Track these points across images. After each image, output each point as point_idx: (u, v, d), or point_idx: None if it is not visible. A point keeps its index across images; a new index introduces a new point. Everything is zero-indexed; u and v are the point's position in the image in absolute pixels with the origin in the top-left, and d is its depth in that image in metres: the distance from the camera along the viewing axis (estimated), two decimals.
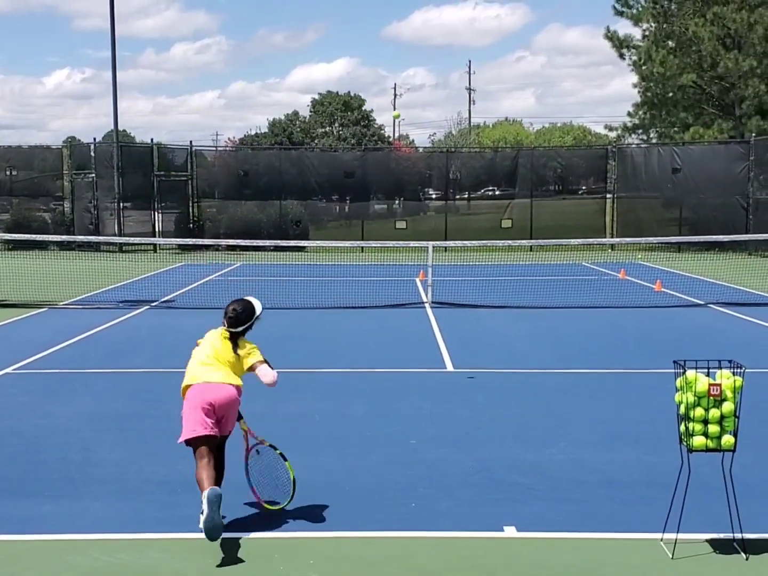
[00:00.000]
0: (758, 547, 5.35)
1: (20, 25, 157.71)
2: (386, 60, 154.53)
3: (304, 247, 29.92)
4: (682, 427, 5.31)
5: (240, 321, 6.26)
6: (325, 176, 34.75)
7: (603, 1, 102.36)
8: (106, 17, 31.99)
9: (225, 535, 5.65)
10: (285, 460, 6.12)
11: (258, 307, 6.38)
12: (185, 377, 6.00)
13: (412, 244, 21.84)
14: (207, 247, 29.14)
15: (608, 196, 33.58)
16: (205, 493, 5.33)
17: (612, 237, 31.06)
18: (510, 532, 5.68)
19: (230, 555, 5.36)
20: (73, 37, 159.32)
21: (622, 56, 35.86)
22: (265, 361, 6.19)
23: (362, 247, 29.44)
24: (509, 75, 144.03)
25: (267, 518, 5.93)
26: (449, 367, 11.07)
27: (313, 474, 6.85)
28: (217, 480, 5.66)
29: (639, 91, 36.20)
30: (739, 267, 22.14)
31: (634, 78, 35.94)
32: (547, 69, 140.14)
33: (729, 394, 5.20)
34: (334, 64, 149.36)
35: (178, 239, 29.71)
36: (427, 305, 16.52)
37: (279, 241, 24.24)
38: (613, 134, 39.39)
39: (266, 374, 6.12)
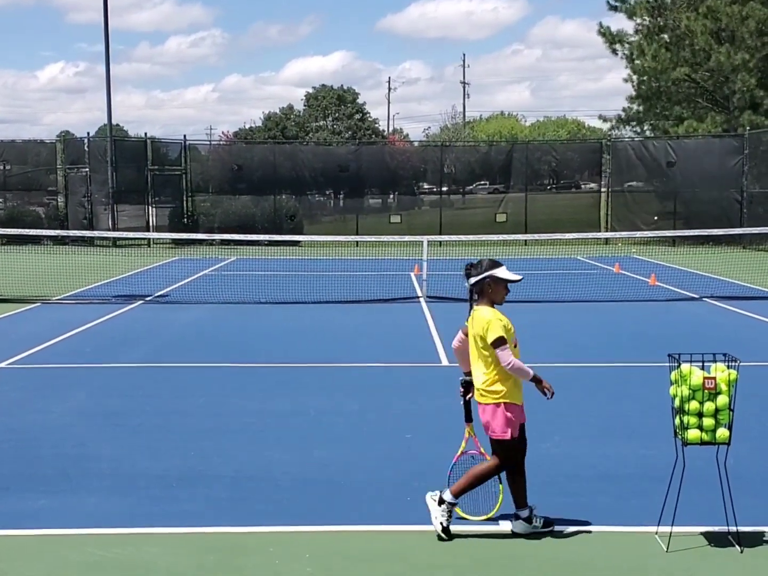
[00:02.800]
0: (753, 540, 5.37)
1: (13, 19, 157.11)
2: (381, 53, 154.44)
3: (298, 242, 29.85)
4: (677, 421, 5.32)
5: (469, 274, 5.64)
6: (319, 170, 34.67)
7: None
8: (101, 10, 31.88)
9: (220, 529, 5.67)
10: (500, 481, 5.79)
11: (499, 271, 5.56)
12: None
13: (407, 238, 21.83)
14: (201, 242, 29.09)
15: (603, 189, 33.61)
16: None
17: (606, 231, 31.08)
18: (505, 525, 5.69)
19: (225, 549, 5.36)
20: (67, 31, 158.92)
21: (614, 51, 35.85)
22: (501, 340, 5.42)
23: (357, 242, 29.37)
24: (504, 68, 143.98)
25: (262, 512, 5.93)
26: (444, 362, 11.07)
27: (308, 469, 6.85)
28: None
29: (632, 85, 36.20)
30: (733, 261, 22.19)
31: (629, 72, 35.94)
32: (542, 62, 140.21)
33: (723, 387, 5.21)
34: (329, 58, 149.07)
35: (172, 234, 29.60)
36: (421, 299, 16.52)
37: (273, 236, 24.15)
38: (607, 125, 39.27)
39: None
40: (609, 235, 29.48)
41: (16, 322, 14.38)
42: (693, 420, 5.23)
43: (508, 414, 5.42)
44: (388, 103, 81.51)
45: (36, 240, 27.94)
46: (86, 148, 33.07)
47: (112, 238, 29.25)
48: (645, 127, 37.74)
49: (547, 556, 5.25)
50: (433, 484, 6.48)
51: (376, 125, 67.50)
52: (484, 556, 5.28)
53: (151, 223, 32.50)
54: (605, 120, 38.99)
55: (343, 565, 5.17)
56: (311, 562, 5.18)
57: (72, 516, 5.88)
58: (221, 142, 48.06)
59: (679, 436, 5.31)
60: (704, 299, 16.45)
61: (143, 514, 5.91)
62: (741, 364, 5.31)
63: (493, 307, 5.61)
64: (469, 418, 5.86)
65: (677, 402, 5.29)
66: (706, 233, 22.89)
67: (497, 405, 5.42)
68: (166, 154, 34.66)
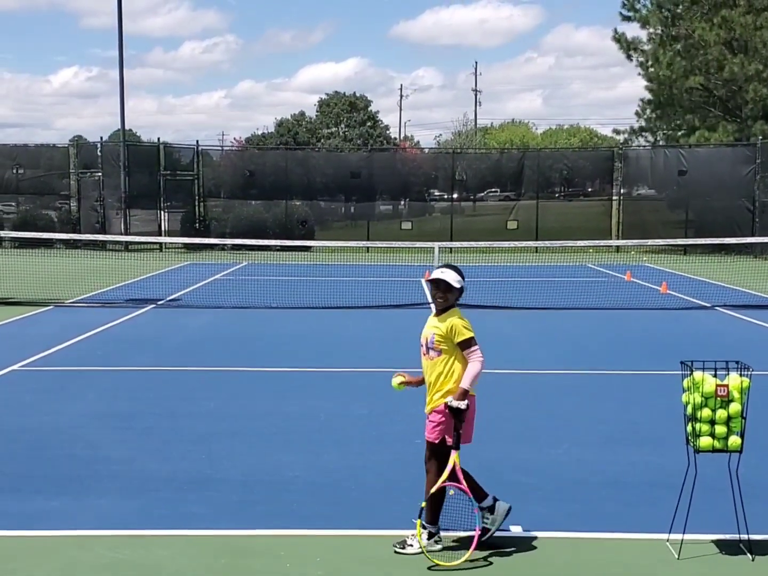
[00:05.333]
0: (764, 548, 5.33)
1: (28, 24, 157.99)
2: (394, 60, 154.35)
3: (309, 247, 29.93)
4: (689, 428, 5.31)
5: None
6: (330, 177, 34.80)
7: (614, 2, 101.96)
8: (115, 15, 32.10)
9: (230, 531, 5.67)
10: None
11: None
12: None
13: (418, 244, 21.84)
14: (213, 247, 29.17)
15: (614, 198, 33.57)
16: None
17: (618, 239, 31.04)
18: (516, 531, 5.68)
19: (235, 552, 5.36)
20: (81, 36, 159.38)
21: (629, 58, 35.86)
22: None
23: (368, 248, 29.43)
24: (517, 76, 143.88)
25: (272, 515, 5.93)
26: None
27: (319, 472, 6.86)
28: None
29: (647, 92, 36.18)
30: (744, 270, 22.10)
31: (642, 80, 35.95)
32: (555, 70, 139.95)
33: (736, 394, 5.19)
34: (342, 65, 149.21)
35: (184, 238, 29.74)
36: (432, 306, 16.49)
37: (285, 241, 24.30)
38: (620, 137, 39.32)
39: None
40: (620, 242, 29.45)
41: (29, 325, 14.44)
42: (705, 427, 5.21)
43: None
44: (400, 110, 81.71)
45: (48, 243, 28.05)
46: (99, 153, 33.27)
47: (124, 242, 29.40)
48: (657, 136, 37.72)
49: (555, 562, 5.24)
50: None
51: (388, 132, 67.60)
52: (492, 560, 5.27)
53: (163, 228, 32.61)
54: (619, 133, 39.06)
55: (353, 569, 5.17)
56: (322, 565, 5.18)
57: (83, 517, 5.90)
58: (233, 148, 48.22)
59: (691, 444, 5.30)
60: (716, 308, 16.40)
61: (153, 516, 5.92)
62: (753, 372, 5.29)
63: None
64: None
65: (689, 409, 5.28)
66: (717, 242, 22.83)
67: None
68: (179, 159, 34.82)
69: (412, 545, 5.33)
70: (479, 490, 5.47)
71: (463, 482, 5.31)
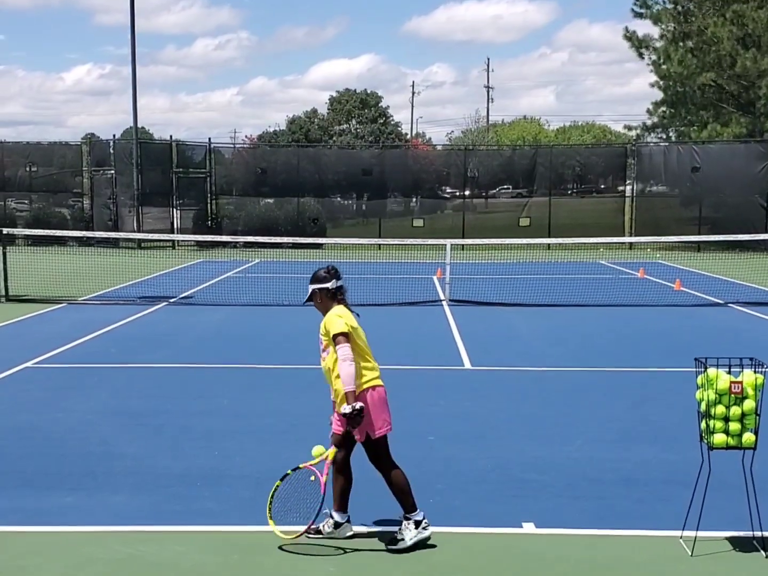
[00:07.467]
0: None
1: (41, 22, 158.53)
2: (407, 56, 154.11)
3: (321, 245, 29.92)
4: (703, 425, 5.29)
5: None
6: (342, 174, 34.79)
7: None
8: (128, 12, 32.09)
9: (244, 527, 5.69)
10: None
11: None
12: (365, 371, 5.45)
13: (430, 241, 21.81)
14: (225, 244, 29.24)
15: (627, 194, 33.44)
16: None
17: (631, 236, 30.93)
18: (528, 528, 5.68)
19: (249, 548, 5.38)
20: (93, 33, 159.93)
21: (641, 56, 35.70)
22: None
23: (379, 245, 29.40)
24: (530, 72, 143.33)
25: (286, 512, 5.94)
26: (467, 365, 11.07)
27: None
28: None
29: (659, 90, 36.01)
30: (758, 266, 22.01)
31: (654, 77, 35.77)
32: (568, 66, 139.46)
33: (750, 391, 5.17)
34: (355, 61, 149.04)
35: (196, 236, 29.78)
36: (444, 303, 16.51)
37: (296, 239, 24.29)
38: (632, 133, 39.14)
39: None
40: (633, 239, 29.32)
41: (42, 323, 14.51)
42: (719, 424, 5.20)
43: None
44: (412, 107, 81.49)
45: (61, 241, 28.16)
46: (111, 151, 33.41)
47: (137, 239, 29.47)
48: (670, 133, 37.57)
49: (569, 558, 5.23)
50: (455, 486, 6.48)
51: (399, 129, 67.51)
52: (506, 557, 5.27)
53: (175, 225, 32.70)
54: (630, 129, 38.91)
55: (365, 566, 5.17)
56: (334, 561, 5.20)
57: (97, 513, 5.93)
58: (245, 146, 48.28)
59: (705, 441, 5.28)
60: (729, 305, 16.33)
61: (167, 512, 5.95)
62: (767, 369, 5.27)
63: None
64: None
65: (703, 406, 5.26)
66: (731, 239, 22.71)
67: None
68: (191, 156, 34.89)
69: (403, 539, 5.39)
70: (345, 501, 5.53)
71: (323, 476, 5.41)
